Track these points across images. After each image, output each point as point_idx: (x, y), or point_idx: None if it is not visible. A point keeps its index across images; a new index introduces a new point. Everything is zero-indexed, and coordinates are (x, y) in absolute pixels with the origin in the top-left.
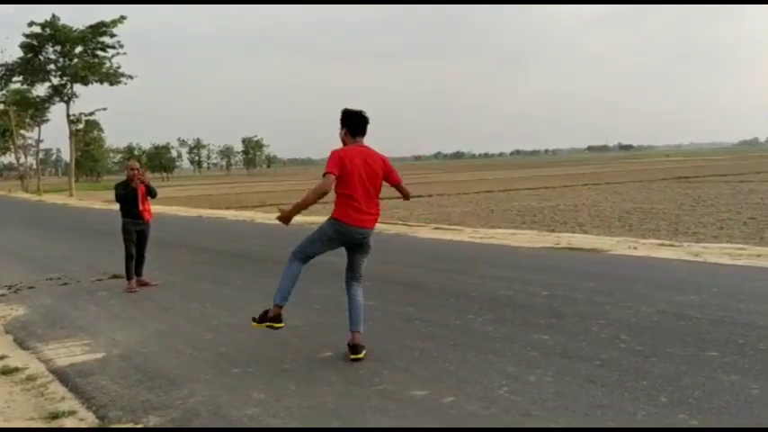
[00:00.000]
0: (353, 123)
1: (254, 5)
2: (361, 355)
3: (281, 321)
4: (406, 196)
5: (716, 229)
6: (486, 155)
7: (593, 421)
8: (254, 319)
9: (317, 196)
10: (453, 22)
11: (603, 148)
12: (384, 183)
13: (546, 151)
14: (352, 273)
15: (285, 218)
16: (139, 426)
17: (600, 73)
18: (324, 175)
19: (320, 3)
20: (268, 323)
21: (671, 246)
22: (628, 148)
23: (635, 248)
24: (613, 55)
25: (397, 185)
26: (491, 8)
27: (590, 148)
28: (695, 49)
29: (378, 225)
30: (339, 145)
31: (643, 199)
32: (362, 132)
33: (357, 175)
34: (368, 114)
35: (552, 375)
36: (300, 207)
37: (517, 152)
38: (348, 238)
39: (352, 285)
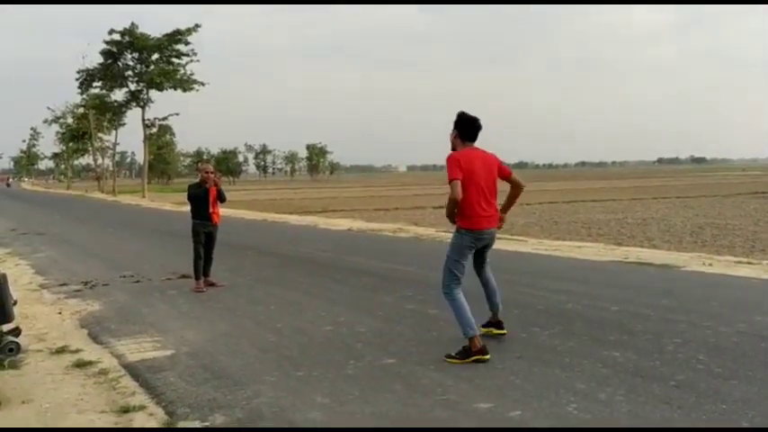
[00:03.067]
0: (466, 129)
1: (322, 14)
2: (504, 331)
3: (487, 353)
4: (518, 186)
5: None
6: (549, 165)
7: None
8: (450, 357)
9: (453, 206)
10: (519, 30)
11: (674, 161)
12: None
13: (613, 163)
14: (481, 262)
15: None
16: (206, 424)
17: (671, 82)
18: (450, 182)
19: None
20: (474, 357)
21: (748, 263)
22: (700, 160)
23: (710, 265)
24: (685, 63)
25: (508, 178)
26: (560, 15)
27: (660, 161)
28: None
29: (443, 234)
30: (398, 155)
31: (717, 214)
32: (474, 138)
33: (476, 178)
34: (481, 123)
35: (624, 394)
36: (449, 215)
37: (582, 163)
38: (481, 241)
39: (482, 271)
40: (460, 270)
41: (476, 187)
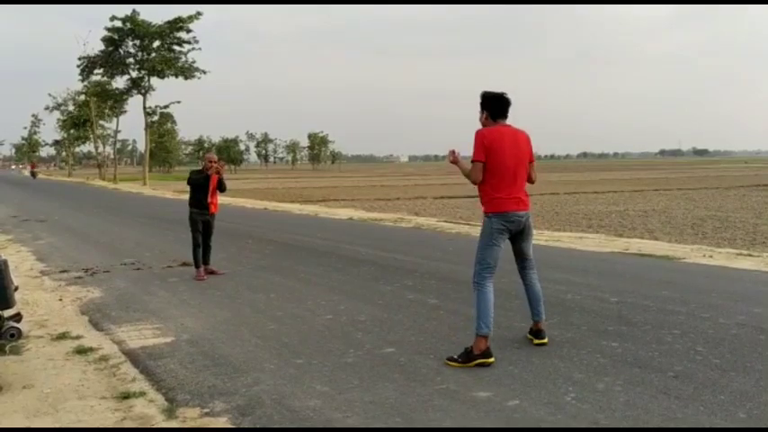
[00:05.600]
0: (495, 106)
1: (326, 5)
2: (545, 340)
3: (491, 356)
4: (531, 177)
5: None
6: (551, 156)
7: None
8: (452, 360)
9: (469, 179)
10: (521, 22)
11: (676, 153)
12: None
13: (615, 154)
14: (523, 259)
15: (455, 161)
16: (206, 411)
17: (673, 74)
18: (472, 162)
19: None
20: (478, 361)
21: (749, 256)
22: (702, 152)
23: (710, 257)
24: (688, 55)
25: (530, 165)
26: (560, 7)
27: (662, 152)
28: None
29: (443, 224)
30: (409, 141)
31: (718, 206)
32: (504, 115)
33: (502, 157)
34: (510, 97)
35: (622, 384)
36: (462, 169)
37: (584, 155)
38: (513, 225)
39: (526, 273)
40: (492, 256)
41: (501, 167)
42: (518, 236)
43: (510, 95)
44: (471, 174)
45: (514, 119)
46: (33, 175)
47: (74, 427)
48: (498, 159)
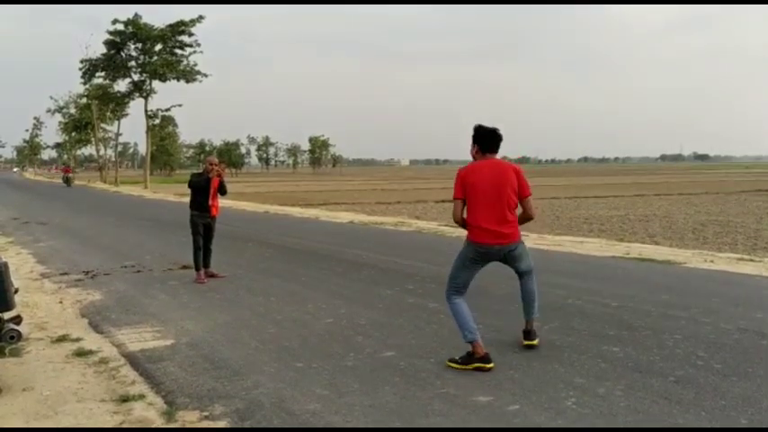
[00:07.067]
0: (486, 141)
1: (326, 6)
2: (534, 341)
3: (490, 362)
4: (527, 213)
5: None
6: (552, 161)
7: None
8: (453, 361)
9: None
10: (521, 25)
11: (677, 158)
12: None
13: (616, 159)
14: (519, 273)
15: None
16: (205, 414)
17: (674, 79)
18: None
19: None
20: (477, 364)
21: (750, 261)
22: (704, 157)
23: (711, 262)
24: (688, 60)
25: (523, 199)
26: (561, 9)
27: (663, 157)
28: None
29: (444, 228)
30: (408, 149)
31: (719, 211)
32: (494, 149)
33: (481, 191)
34: (501, 133)
35: (623, 389)
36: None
37: (585, 159)
38: (489, 256)
39: (522, 280)
40: (461, 280)
41: (482, 200)
42: (507, 262)
43: (502, 131)
44: (454, 215)
45: (521, 126)
46: (67, 181)
47: (73, 428)
48: (476, 190)
